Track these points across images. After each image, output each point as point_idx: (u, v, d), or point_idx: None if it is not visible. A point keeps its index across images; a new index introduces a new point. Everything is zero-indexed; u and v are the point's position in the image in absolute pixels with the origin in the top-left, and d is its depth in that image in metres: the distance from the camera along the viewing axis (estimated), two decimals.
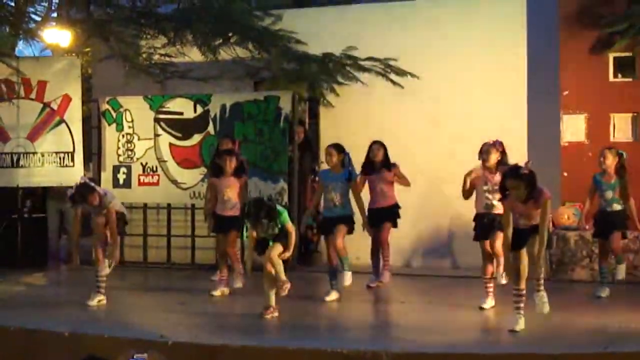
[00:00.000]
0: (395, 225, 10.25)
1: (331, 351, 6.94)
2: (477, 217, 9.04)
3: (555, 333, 7.62)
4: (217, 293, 9.77)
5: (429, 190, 12.08)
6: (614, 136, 11.90)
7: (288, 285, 8.27)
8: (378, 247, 10.22)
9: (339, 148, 9.63)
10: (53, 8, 13.61)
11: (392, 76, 12.13)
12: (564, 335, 7.64)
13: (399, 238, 10.86)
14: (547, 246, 8.02)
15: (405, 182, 10.31)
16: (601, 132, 11.83)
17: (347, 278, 9.47)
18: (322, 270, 10.83)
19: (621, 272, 9.73)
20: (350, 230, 9.61)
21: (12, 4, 13.10)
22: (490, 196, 8.72)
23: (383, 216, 10.16)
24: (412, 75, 12.01)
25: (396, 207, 10.26)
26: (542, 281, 7.86)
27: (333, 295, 9.45)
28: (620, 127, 11.92)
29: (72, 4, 12.75)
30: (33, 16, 13.23)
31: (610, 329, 7.91)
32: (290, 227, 8.37)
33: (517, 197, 7.64)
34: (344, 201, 9.53)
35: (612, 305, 9.27)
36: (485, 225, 8.80)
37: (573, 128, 12.05)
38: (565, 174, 11.88)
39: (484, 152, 8.91)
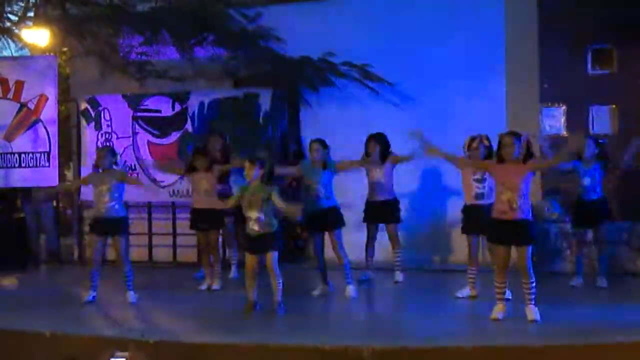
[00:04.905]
0: (399, 221, 10.24)
1: (313, 347, 6.93)
2: (467, 210, 9.04)
3: (537, 324, 7.63)
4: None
5: (411, 188, 12.09)
6: (592, 128, 11.95)
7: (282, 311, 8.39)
8: (374, 242, 10.23)
9: (323, 143, 9.47)
10: (30, 6, 13.51)
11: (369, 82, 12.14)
12: (546, 326, 7.64)
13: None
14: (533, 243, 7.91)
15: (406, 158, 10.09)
16: (580, 124, 11.87)
17: (352, 290, 9.40)
18: (307, 268, 10.86)
19: (602, 282, 9.69)
20: (343, 224, 9.44)
21: None
22: (479, 185, 8.71)
23: (384, 213, 10.15)
24: (388, 83, 12.02)
25: (396, 201, 10.22)
26: (533, 295, 7.78)
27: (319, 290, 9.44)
28: (598, 119, 11.96)
29: (48, 2, 12.65)
30: (10, 15, 13.16)
31: (592, 320, 7.94)
32: (280, 204, 8.35)
33: (506, 155, 7.67)
34: (329, 192, 9.36)
35: (594, 296, 9.31)
36: (478, 218, 8.64)
37: (552, 120, 12.09)
38: None
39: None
